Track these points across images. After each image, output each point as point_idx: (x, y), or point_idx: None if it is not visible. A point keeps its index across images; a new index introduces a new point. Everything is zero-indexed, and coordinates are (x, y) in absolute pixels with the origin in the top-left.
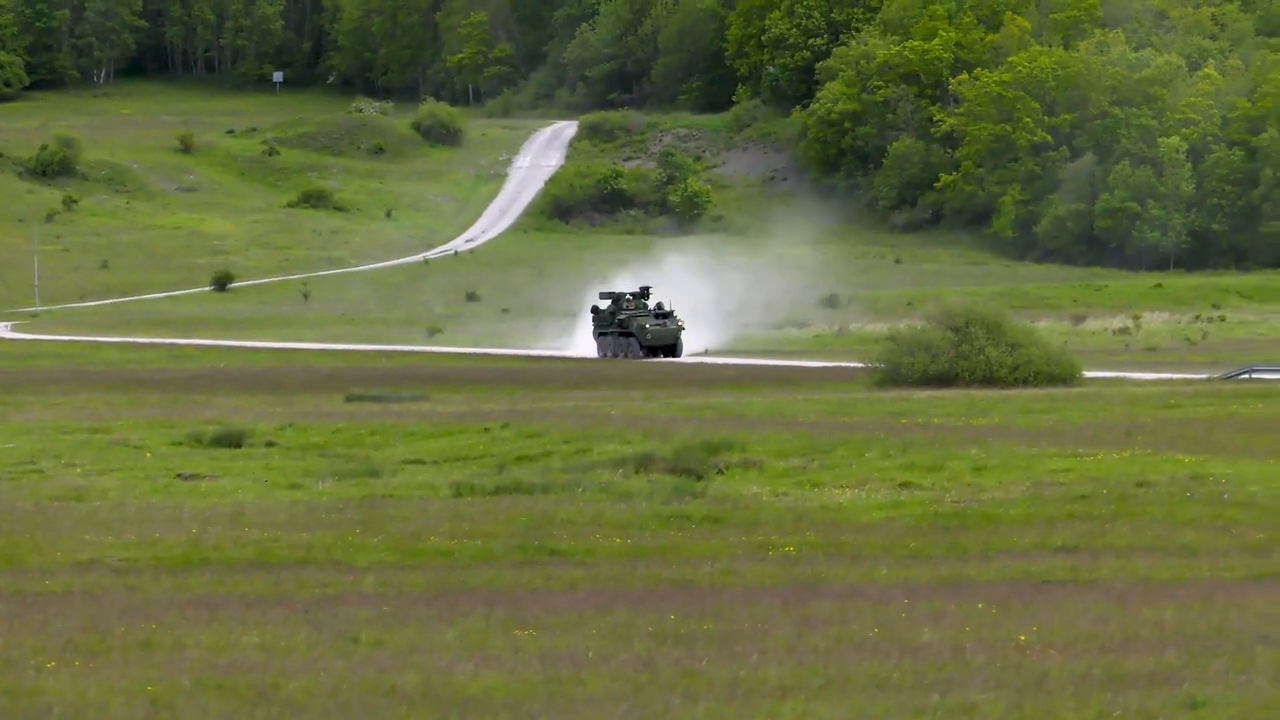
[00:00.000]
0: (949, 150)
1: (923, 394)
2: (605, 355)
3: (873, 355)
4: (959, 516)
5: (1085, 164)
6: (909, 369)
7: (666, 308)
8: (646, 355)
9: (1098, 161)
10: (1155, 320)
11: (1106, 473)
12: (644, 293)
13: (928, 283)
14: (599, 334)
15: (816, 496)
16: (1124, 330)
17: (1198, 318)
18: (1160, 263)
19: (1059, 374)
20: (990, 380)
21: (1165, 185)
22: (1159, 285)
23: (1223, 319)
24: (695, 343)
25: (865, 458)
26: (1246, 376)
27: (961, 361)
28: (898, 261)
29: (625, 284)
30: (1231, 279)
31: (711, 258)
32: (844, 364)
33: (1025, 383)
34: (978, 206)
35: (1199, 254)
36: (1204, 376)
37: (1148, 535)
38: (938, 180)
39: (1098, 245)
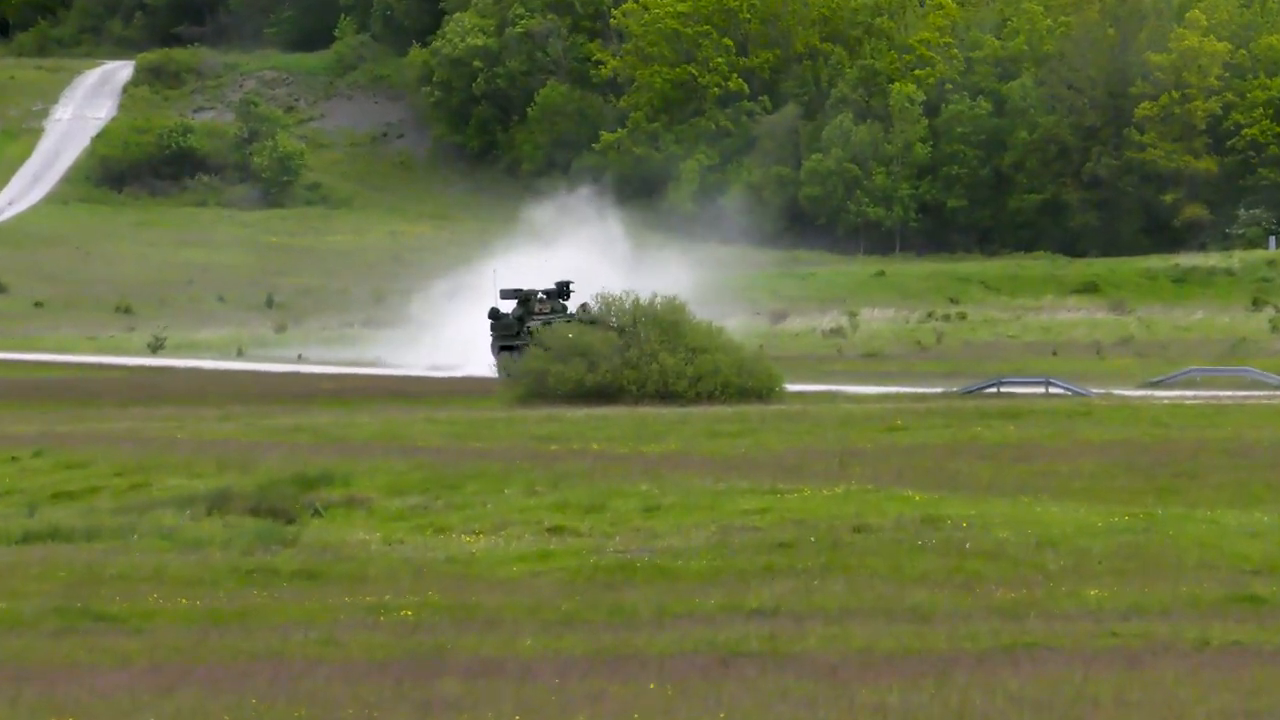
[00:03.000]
0: (613, 100)
1: (578, 412)
2: (509, 377)
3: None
4: (625, 570)
5: (788, 118)
6: (560, 380)
7: (593, 307)
8: None
9: (804, 115)
10: (877, 318)
11: (814, 514)
12: (563, 290)
13: (586, 269)
14: (501, 348)
15: (441, 545)
16: (837, 331)
17: (931, 315)
18: (884, 244)
19: (753, 387)
20: (665, 395)
21: (893, 145)
22: (881, 273)
23: (963, 316)
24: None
25: (504, 495)
26: (994, 390)
27: (628, 371)
28: (547, 243)
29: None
30: (974, 265)
31: (311, 237)
32: (475, 373)
33: (710, 398)
34: (651, 172)
35: (933, 234)
36: (939, 391)
37: (867, 594)
38: (598, 139)
39: (803, 222)
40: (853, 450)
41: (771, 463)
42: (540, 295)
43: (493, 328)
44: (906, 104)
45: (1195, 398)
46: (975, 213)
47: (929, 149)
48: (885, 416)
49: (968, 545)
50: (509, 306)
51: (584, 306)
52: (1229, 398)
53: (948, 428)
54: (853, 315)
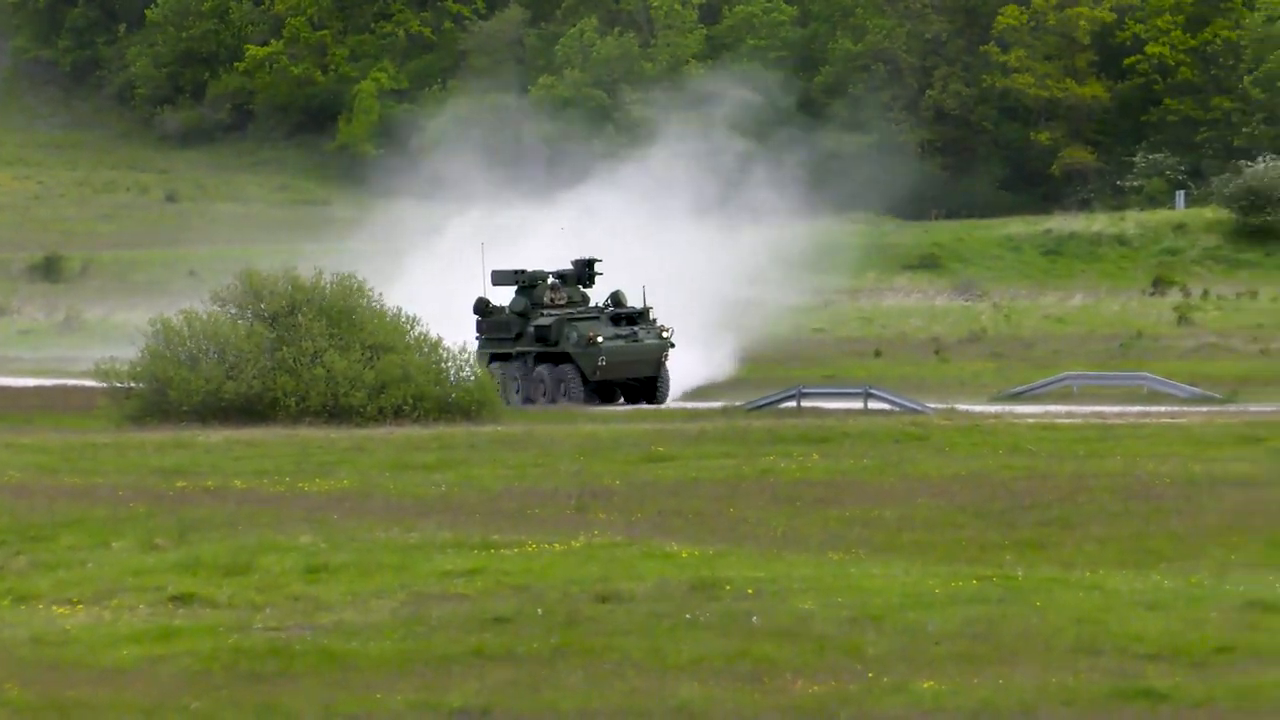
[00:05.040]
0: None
1: (215, 435)
2: (506, 401)
3: (122, 367)
4: (280, 655)
5: (511, 25)
6: (187, 391)
7: (627, 301)
8: (596, 398)
9: (533, 20)
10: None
11: (543, 577)
12: (585, 273)
13: (228, 237)
14: (492, 356)
15: (24, 619)
16: None
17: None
18: None
19: (459, 401)
20: (336, 411)
21: (656, 63)
22: None
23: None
24: None
25: (112, 550)
26: (792, 405)
27: (283, 378)
28: (170, 199)
29: (535, 256)
30: (766, 229)
31: None
32: (72, 382)
33: (399, 415)
34: (317, 100)
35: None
36: (717, 405)
37: (616, 689)
38: (243, 54)
39: (532, 167)
40: (596, 488)
41: (484, 506)
42: (552, 280)
43: (480, 327)
44: (675, 5)
45: (1072, 416)
46: (771, 156)
47: (708, 68)
48: (641, 441)
49: (756, 620)
50: (505, 296)
51: (615, 295)
52: (1119, 416)
53: (728, 457)
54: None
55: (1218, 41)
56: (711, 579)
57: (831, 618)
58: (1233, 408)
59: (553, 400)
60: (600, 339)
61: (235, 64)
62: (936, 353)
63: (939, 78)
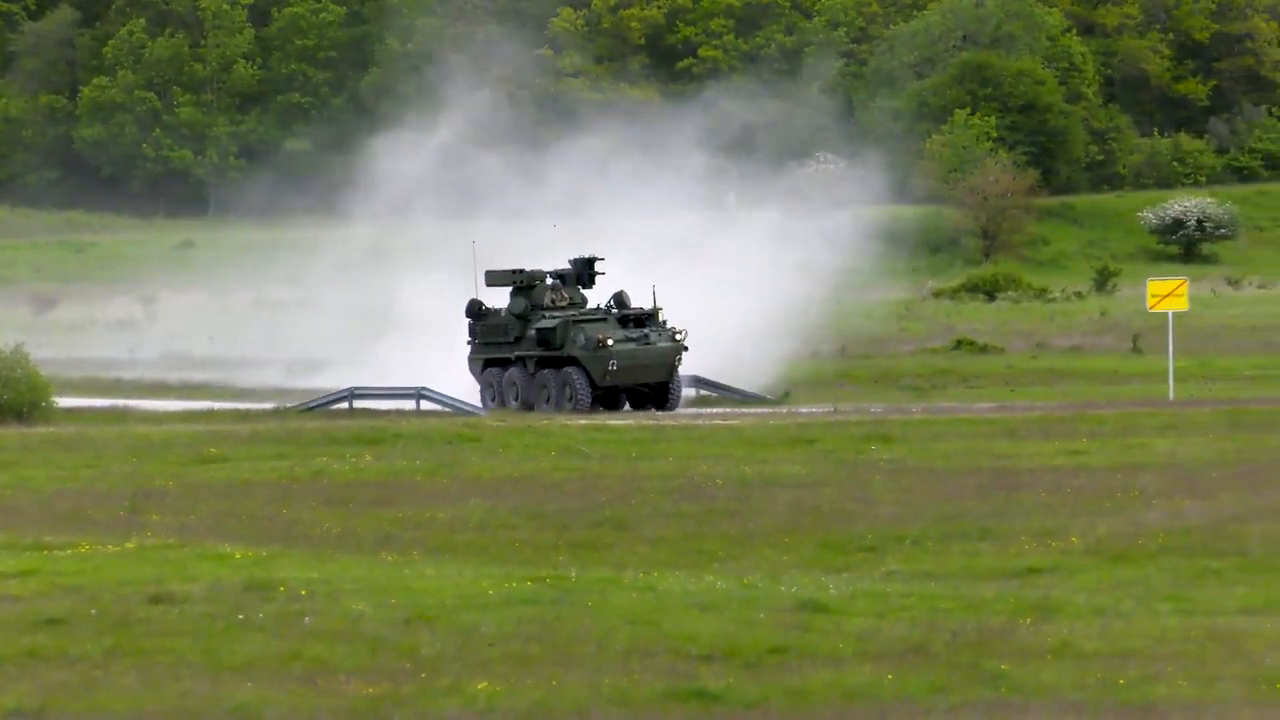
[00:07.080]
0: None
1: None
2: (496, 405)
3: None
4: None
5: (61, 25)
6: None
7: (632, 302)
8: (601, 403)
9: (83, 21)
10: (186, 306)
11: (96, 579)
12: (585, 273)
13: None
14: (487, 362)
15: None
16: (129, 323)
17: (260, 302)
18: (193, 203)
19: (10, 402)
20: None
21: (205, 64)
22: (189, 243)
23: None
24: None
25: None
26: (345, 405)
27: None
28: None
29: (540, 256)
30: (306, 231)
31: None
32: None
33: None
34: None
35: (266, 187)
36: (269, 407)
37: (170, 690)
38: None
39: (83, 172)
40: (149, 490)
41: (36, 508)
42: (553, 281)
43: (475, 331)
44: (224, 6)
45: (624, 417)
46: (320, 159)
47: (256, 69)
48: (195, 443)
49: (309, 621)
50: (500, 298)
51: (619, 296)
52: (671, 417)
53: (281, 458)
54: (149, 302)
55: (771, 46)
56: (265, 580)
57: (385, 619)
58: (784, 409)
59: (558, 407)
60: (610, 341)
61: None
62: None
63: (490, 80)
